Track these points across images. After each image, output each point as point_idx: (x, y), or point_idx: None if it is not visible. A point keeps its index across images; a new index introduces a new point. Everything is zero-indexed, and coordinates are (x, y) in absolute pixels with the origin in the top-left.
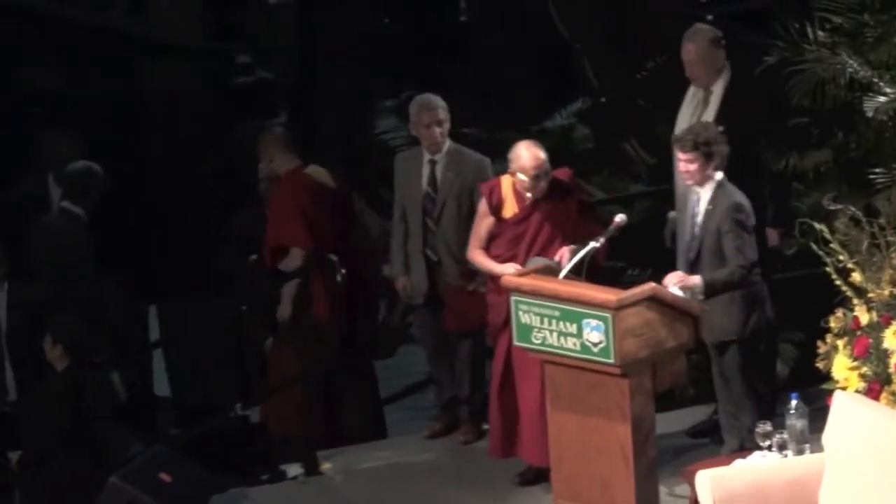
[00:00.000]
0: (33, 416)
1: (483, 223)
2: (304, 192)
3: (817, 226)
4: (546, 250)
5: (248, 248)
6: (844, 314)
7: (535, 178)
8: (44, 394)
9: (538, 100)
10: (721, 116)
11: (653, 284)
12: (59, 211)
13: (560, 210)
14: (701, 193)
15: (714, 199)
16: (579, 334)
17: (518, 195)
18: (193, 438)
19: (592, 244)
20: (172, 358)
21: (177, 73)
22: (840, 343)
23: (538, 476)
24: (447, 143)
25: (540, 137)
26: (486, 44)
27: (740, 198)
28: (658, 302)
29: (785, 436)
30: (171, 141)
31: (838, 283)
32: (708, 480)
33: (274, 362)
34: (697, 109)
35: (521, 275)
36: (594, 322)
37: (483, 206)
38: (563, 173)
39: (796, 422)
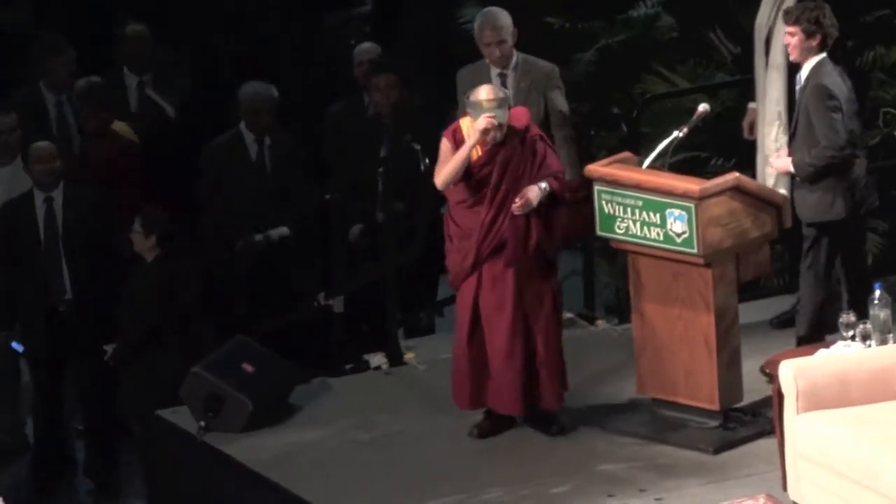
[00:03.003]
0: (127, 308)
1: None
2: None
3: None
4: (513, 191)
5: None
6: None
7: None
8: (139, 284)
9: None
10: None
11: (736, 174)
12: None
13: (522, 150)
14: (802, 70)
15: (809, 78)
16: (663, 224)
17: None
18: (276, 328)
19: (676, 133)
20: None
21: None
22: None
23: (498, 426)
24: (514, 56)
25: (624, 26)
26: None
27: (828, 80)
28: (742, 192)
29: (868, 325)
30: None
31: None
32: (791, 370)
33: None
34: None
35: (602, 165)
36: (677, 212)
37: (445, 148)
38: (519, 112)
39: (879, 311)
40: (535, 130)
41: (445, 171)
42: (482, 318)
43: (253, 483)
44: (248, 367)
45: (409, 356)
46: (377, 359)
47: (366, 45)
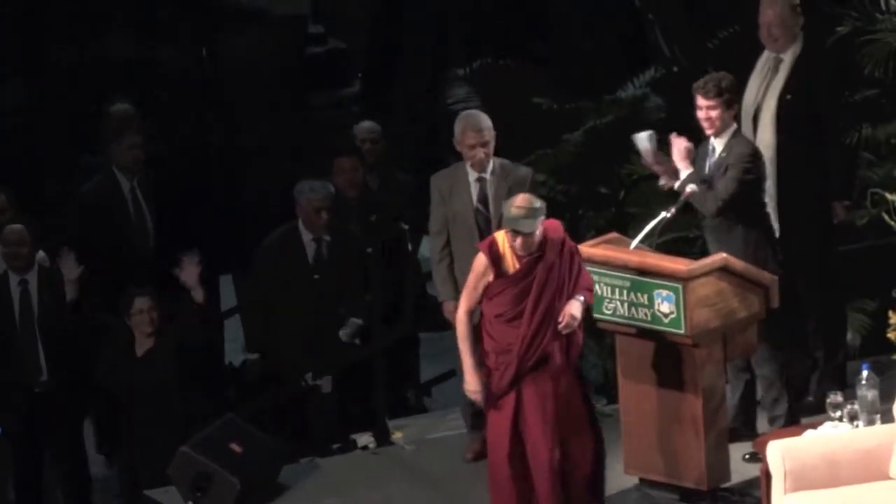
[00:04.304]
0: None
1: (480, 280)
2: None
3: (889, 196)
4: (553, 303)
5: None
6: None
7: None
8: (162, 349)
9: (611, 69)
10: (791, 84)
11: (724, 255)
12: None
13: (560, 262)
14: (716, 144)
15: (729, 147)
16: (650, 304)
17: (515, 250)
18: (264, 409)
19: (664, 214)
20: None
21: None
22: None
23: None
24: (491, 160)
25: (612, 107)
26: (559, 11)
27: (756, 148)
28: (729, 272)
29: (856, 406)
30: (243, 111)
31: None
32: (779, 451)
33: None
34: (767, 77)
35: (590, 245)
36: (665, 292)
37: (480, 262)
38: (554, 225)
39: (867, 392)
40: (571, 243)
41: (459, 332)
42: (525, 433)
43: None
44: (236, 447)
45: (396, 435)
46: (364, 438)
47: (366, 123)
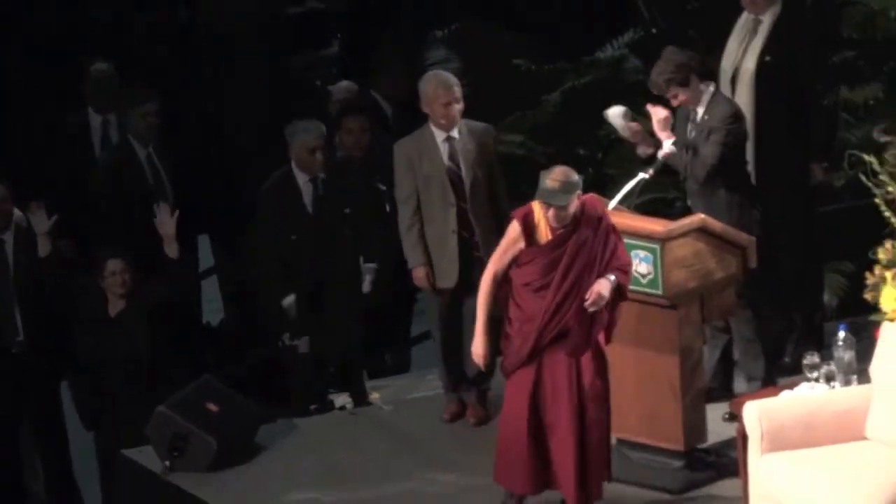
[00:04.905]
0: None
1: (511, 248)
2: None
3: (866, 157)
4: (581, 278)
5: None
6: (893, 246)
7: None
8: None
9: (590, 31)
10: (769, 46)
11: (702, 216)
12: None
13: (595, 238)
14: (698, 109)
15: (710, 110)
16: None
17: (549, 221)
18: (242, 369)
19: (642, 175)
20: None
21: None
22: (888, 274)
23: None
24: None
25: (591, 68)
26: None
27: (738, 107)
28: (707, 233)
29: (832, 367)
30: (222, 71)
31: (887, 214)
32: (756, 412)
33: None
34: (746, 38)
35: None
36: (643, 253)
37: (514, 231)
38: (594, 200)
39: (844, 353)
40: (609, 221)
41: (481, 295)
42: (542, 406)
43: None
44: (213, 407)
45: (374, 396)
46: (342, 399)
47: (344, 83)
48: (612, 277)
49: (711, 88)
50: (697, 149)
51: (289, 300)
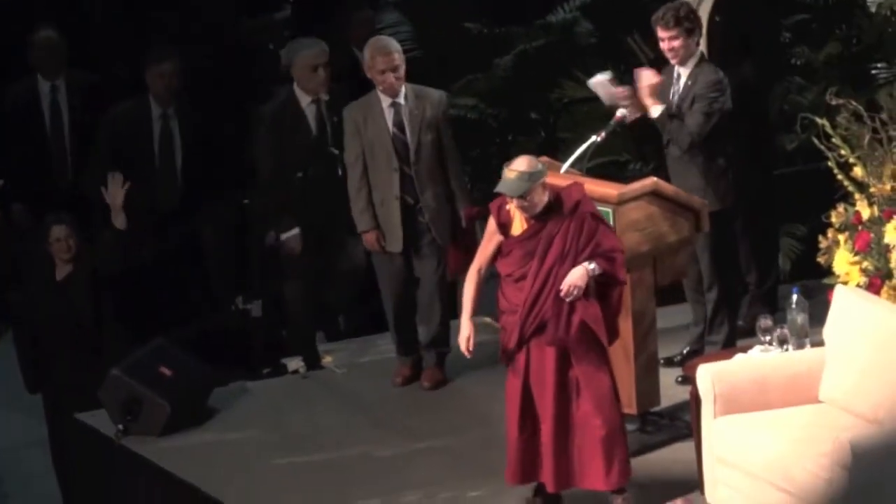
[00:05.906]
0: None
1: (491, 242)
2: None
3: (819, 120)
4: (557, 266)
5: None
6: (846, 209)
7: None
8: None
9: None
10: (720, 5)
11: (654, 178)
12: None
13: (569, 226)
14: (681, 72)
15: (694, 76)
16: None
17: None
18: (195, 332)
19: (594, 138)
20: None
21: None
22: (841, 238)
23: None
24: (403, 86)
25: (543, 32)
26: None
27: (722, 75)
28: (659, 196)
29: (786, 330)
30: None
31: (840, 177)
32: (709, 375)
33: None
34: (697, 2)
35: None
36: None
37: (491, 224)
38: (571, 188)
39: (797, 316)
40: (588, 207)
41: (466, 289)
42: (534, 398)
43: (171, 485)
44: (166, 371)
45: (327, 360)
46: (295, 363)
47: (305, 40)
48: (592, 265)
49: (699, 54)
50: (682, 117)
51: (291, 233)
